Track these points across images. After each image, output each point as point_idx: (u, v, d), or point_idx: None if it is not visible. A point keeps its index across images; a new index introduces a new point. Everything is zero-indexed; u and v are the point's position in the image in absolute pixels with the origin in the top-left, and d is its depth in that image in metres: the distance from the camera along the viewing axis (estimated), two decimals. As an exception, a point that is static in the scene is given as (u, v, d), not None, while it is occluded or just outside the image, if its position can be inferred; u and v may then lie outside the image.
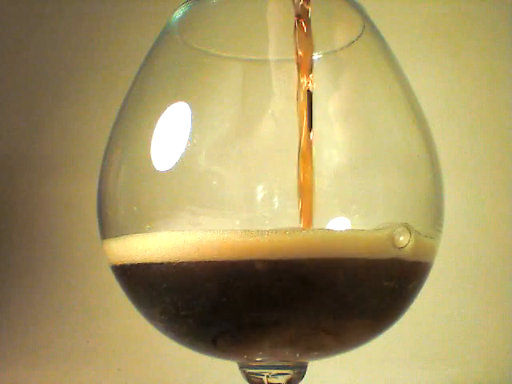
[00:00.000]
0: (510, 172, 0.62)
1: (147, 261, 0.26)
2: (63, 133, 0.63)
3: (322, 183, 0.28)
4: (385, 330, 0.29)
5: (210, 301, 0.25)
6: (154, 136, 0.28)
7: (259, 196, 0.28)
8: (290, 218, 0.29)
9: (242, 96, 0.29)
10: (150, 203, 0.28)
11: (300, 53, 0.29)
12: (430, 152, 0.29)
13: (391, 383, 0.57)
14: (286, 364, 0.29)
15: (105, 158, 0.30)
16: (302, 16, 0.29)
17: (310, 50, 0.29)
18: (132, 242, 0.27)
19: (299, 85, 0.29)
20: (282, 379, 0.29)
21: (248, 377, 0.29)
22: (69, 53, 0.64)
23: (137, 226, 0.28)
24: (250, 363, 0.29)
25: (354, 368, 0.56)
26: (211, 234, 0.25)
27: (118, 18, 0.64)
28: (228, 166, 0.28)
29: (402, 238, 0.26)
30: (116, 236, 0.28)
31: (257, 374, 0.29)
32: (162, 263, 0.26)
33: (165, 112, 0.28)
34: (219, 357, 0.30)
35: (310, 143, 0.28)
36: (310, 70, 0.29)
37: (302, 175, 0.28)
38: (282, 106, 0.30)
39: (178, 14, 0.30)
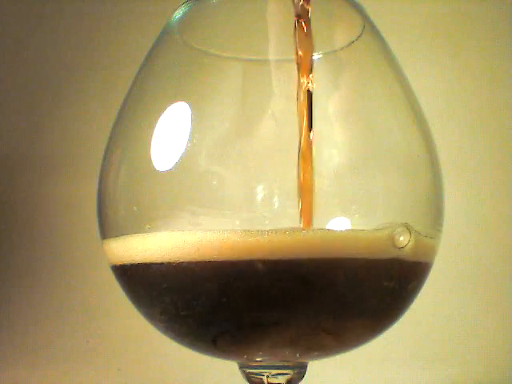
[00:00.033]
0: (510, 172, 0.62)
1: (147, 261, 0.26)
2: (63, 133, 0.63)
3: (322, 183, 0.28)
4: (385, 330, 0.29)
5: (210, 301, 0.25)
6: (154, 136, 0.28)
7: (259, 196, 0.28)
8: (290, 218, 0.29)
9: (241, 96, 0.29)
10: (150, 203, 0.28)
11: (300, 53, 0.29)
12: (430, 152, 0.29)
13: (391, 383, 0.57)
14: (286, 364, 0.29)
15: (105, 158, 0.30)
16: (302, 16, 0.29)
17: (310, 49, 0.29)
18: (132, 242, 0.27)
19: (299, 85, 0.29)
20: (282, 379, 0.29)
21: (248, 377, 0.29)
22: (69, 53, 0.64)
23: (137, 226, 0.28)
24: (249, 363, 0.29)
25: (354, 368, 0.56)
26: (211, 233, 0.25)
27: (118, 17, 0.64)
28: (228, 166, 0.28)
29: (401, 238, 0.26)
30: (116, 236, 0.28)
31: (257, 373, 0.29)
32: (161, 263, 0.26)
33: (165, 112, 0.28)
34: (219, 357, 0.30)
35: (310, 143, 0.28)
36: (310, 70, 0.29)
37: (302, 175, 0.28)
38: (282, 106, 0.30)
39: (178, 14, 0.30)
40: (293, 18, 0.29)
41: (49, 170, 0.62)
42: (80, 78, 0.63)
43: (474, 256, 0.60)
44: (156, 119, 0.28)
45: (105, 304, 0.59)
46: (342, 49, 0.30)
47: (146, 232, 0.27)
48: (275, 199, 0.28)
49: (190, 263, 0.25)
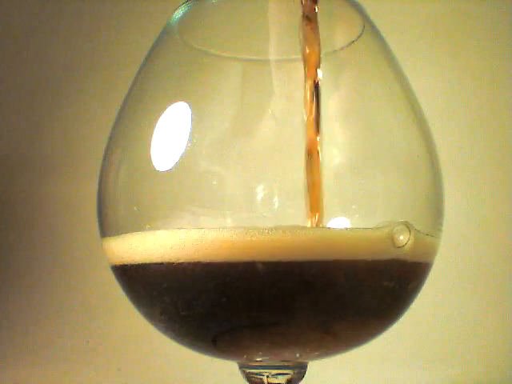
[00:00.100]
0: (510, 172, 0.62)
1: (147, 261, 0.26)
2: (63, 133, 0.63)
3: (322, 183, 0.28)
4: (385, 330, 0.29)
5: (210, 301, 0.25)
6: (154, 136, 0.28)
7: (259, 196, 0.28)
8: (290, 218, 0.29)
9: (241, 96, 0.29)
10: (149, 203, 0.28)
11: (308, 51, 0.29)
12: (430, 152, 0.29)
13: (391, 383, 0.57)
14: (285, 364, 0.29)
15: (105, 158, 0.30)
16: (309, 14, 0.29)
17: (317, 47, 0.29)
18: (131, 241, 0.27)
19: (306, 83, 0.29)
20: (282, 379, 0.29)
21: (248, 377, 0.29)
22: (69, 53, 0.64)
23: (137, 226, 0.28)
24: (249, 363, 0.29)
25: (354, 368, 0.56)
26: (211, 233, 0.25)
27: (118, 18, 0.64)
28: (228, 166, 0.28)
29: (401, 237, 0.26)
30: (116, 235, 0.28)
31: (257, 374, 0.29)
32: (161, 263, 0.26)
33: (165, 112, 0.28)
34: (219, 357, 0.30)
35: (317, 141, 0.28)
36: (318, 68, 0.29)
37: (309, 173, 0.28)
38: (282, 106, 0.30)
39: (177, 14, 0.30)
40: (293, 18, 0.29)
41: (49, 170, 0.62)
42: (80, 78, 0.63)
43: (474, 256, 0.60)
44: (156, 119, 0.28)
45: (105, 304, 0.59)
46: (342, 49, 0.30)
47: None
48: (275, 199, 0.28)
49: (189, 263, 0.25)
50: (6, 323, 0.60)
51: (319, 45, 0.29)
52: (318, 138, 0.28)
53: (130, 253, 0.27)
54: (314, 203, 0.28)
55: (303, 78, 0.29)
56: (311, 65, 0.29)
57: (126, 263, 0.27)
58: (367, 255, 0.25)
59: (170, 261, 0.25)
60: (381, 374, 0.58)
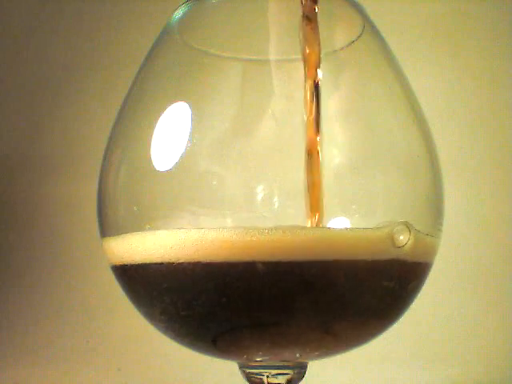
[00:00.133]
0: (510, 172, 0.62)
1: (147, 260, 0.26)
2: (63, 133, 0.63)
3: (322, 183, 0.29)
4: (385, 330, 0.29)
5: (209, 301, 0.25)
6: (154, 136, 0.28)
7: (259, 196, 0.28)
8: (290, 218, 0.29)
9: (241, 96, 0.29)
10: (150, 203, 0.28)
11: (308, 51, 0.29)
12: (430, 152, 0.29)
13: (391, 383, 0.58)
14: (286, 364, 0.29)
15: (105, 158, 0.30)
16: (309, 14, 0.29)
17: (317, 47, 0.29)
18: (131, 241, 0.27)
19: (306, 83, 0.29)
20: (282, 379, 0.29)
21: (248, 377, 0.29)
22: (69, 53, 0.64)
23: (137, 226, 0.28)
24: (249, 363, 0.29)
25: (354, 368, 0.56)
26: (211, 233, 0.25)
27: (118, 18, 0.64)
28: (228, 166, 0.28)
29: (401, 237, 0.26)
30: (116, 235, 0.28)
31: (257, 373, 0.29)
32: (161, 263, 0.26)
33: (165, 112, 0.28)
34: (219, 357, 0.30)
35: (317, 141, 0.28)
36: (318, 68, 0.29)
37: (309, 173, 0.28)
38: (282, 106, 0.30)
39: (177, 14, 0.30)
40: (293, 18, 0.29)
41: (49, 170, 0.62)
42: (80, 78, 0.63)
43: (474, 256, 0.60)
44: (156, 119, 0.28)
45: (105, 304, 0.59)
46: (342, 49, 0.30)
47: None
48: (275, 199, 0.28)
49: (189, 263, 0.25)
50: (6, 323, 0.60)
51: (319, 45, 0.29)
52: (318, 138, 0.28)
53: (130, 253, 0.27)
54: (314, 203, 0.28)
55: (303, 78, 0.29)
56: (311, 65, 0.29)
57: (125, 263, 0.27)
58: (367, 255, 0.25)
59: (170, 261, 0.25)
60: (381, 374, 0.58)
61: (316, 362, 0.30)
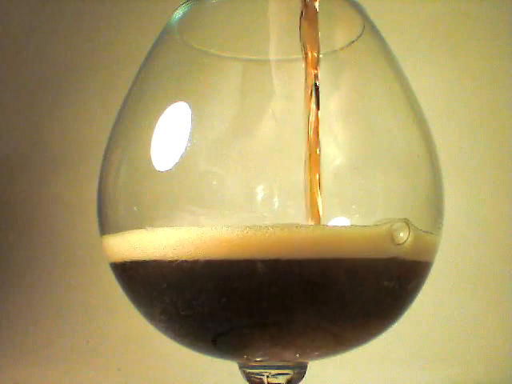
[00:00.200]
0: (510, 172, 0.62)
1: (146, 258, 0.26)
2: (63, 133, 0.63)
3: (322, 183, 0.29)
4: (385, 330, 0.29)
5: (209, 300, 0.25)
6: (154, 136, 0.28)
7: (259, 196, 0.28)
8: (290, 218, 0.29)
9: (241, 96, 0.29)
10: (150, 203, 0.28)
11: (308, 51, 0.29)
12: (430, 152, 0.29)
13: (391, 383, 0.58)
14: (286, 364, 0.29)
15: (105, 158, 0.30)
16: (309, 15, 0.29)
17: (317, 47, 0.29)
18: (130, 240, 0.27)
19: (307, 82, 0.29)
20: (282, 379, 0.29)
21: (248, 377, 0.29)
22: (69, 53, 0.64)
23: (137, 226, 0.28)
24: (249, 363, 0.29)
25: (354, 368, 0.56)
26: (211, 231, 0.25)
27: (118, 18, 0.64)
28: (228, 165, 0.28)
29: (401, 234, 0.26)
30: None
31: (257, 373, 0.29)
32: (161, 261, 0.26)
33: (165, 112, 0.28)
34: (219, 357, 0.30)
35: (317, 140, 0.28)
36: (318, 68, 0.29)
37: (309, 173, 0.28)
38: (282, 106, 0.30)
39: (177, 14, 0.30)
40: (293, 18, 0.29)
41: (49, 170, 0.62)
42: (80, 78, 0.63)
43: (474, 256, 0.60)
44: (156, 119, 0.28)
45: (105, 304, 0.59)
46: (342, 49, 0.30)
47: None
48: (275, 199, 0.28)
49: (189, 262, 0.25)
50: (6, 323, 0.60)
51: (319, 45, 0.29)
52: (318, 138, 0.28)
53: (129, 252, 0.27)
54: (314, 203, 0.28)
55: (303, 77, 0.29)
56: (311, 65, 0.29)
57: (125, 261, 0.27)
58: (367, 253, 0.25)
59: (170, 259, 0.25)
60: (381, 374, 0.58)
61: (316, 362, 0.30)
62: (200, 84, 0.30)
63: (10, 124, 0.63)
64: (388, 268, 0.26)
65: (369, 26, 0.30)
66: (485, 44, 0.63)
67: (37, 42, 0.64)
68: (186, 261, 0.25)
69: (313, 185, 0.29)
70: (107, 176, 0.29)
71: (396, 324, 0.29)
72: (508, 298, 0.60)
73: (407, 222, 0.26)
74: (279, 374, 0.29)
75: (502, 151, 0.62)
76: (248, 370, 0.29)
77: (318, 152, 0.29)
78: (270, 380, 0.29)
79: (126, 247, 0.27)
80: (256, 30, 0.31)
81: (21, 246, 0.61)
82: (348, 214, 0.28)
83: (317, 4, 0.29)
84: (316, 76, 0.29)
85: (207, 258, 0.25)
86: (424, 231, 0.27)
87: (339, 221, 0.29)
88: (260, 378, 0.29)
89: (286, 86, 0.30)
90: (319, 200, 0.28)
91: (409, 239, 0.26)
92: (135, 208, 0.28)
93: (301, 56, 0.29)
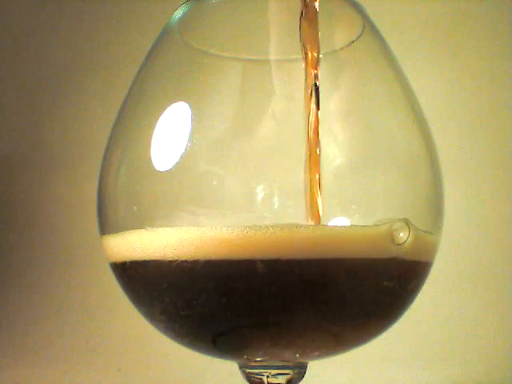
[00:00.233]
0: (510, 172, 0.62)
1: (146, 258, 0.26)
2: (63, 133, 0.63)
3: (322, 183, 0.29)
4: (385, 330, 0.29)
5: (209, 300, 0.25)
6: (154, 136, 0.28)
7: (259, 196, 0.28)
8: (290, 218, 0.29)
9: (242, 96, 0.29)
10: (150, 203, 0.28)
11: (308, 51, 0.29)
12: (430, 152, 0.29)
13: (391, 383, 0.58)
14: (286, 364, 0.29)
15: (105, 158, 0.30)
16: (309, 15, 0.29)
17: (317, 47, 0.29)
18: (130, 239, 0.27)
19: (306, 83, 0.29)
20: (282, 379, 0.29)
21: (248, 377, 0.29)
22: (69, 53, 0.64)
23: (137, 226, 0.28)
24: (250, 363, 0.29)
25: (354, 368, 0.56)
26: (211, 231, 0.25)
27: (118, 18, 0.64)
28: (228, 165, 0.28)
29: (401, 234, 0.26)
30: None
31: (257, 373, 0.29)
32: (161, 261, 0.26)
33: (165, 112, 0.28)
34: (219, 357, 0.30)
35: (317, 140, 0.28)
36: (318, 68, 0.29)
37: (309, 173, 0.28)
38: (282, 106, 0.30)
39: (178, 14, 0.30)
40: (293, 18, 0.29)
41: (49, 170, 0.62)
42: (80, 78, 0.63)
43: (474, 256, 0.60)
44: (156, 119, 0.28)
45: (105, 304, 0.59)
46: (342, 49, 0.30)
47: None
48: (275, 199, 0.28)
49: (189, 262, 0.25)
50: (6, 323, 0.60)
51: (319, 45, 0.29)
52: (318, 138, 0.28)
53: (129, 252, 0.27)
54: (314, 203, 0.28)
55: (303, 77, 0.29)
56: (311, 65, 0.29)
57: (125, 262, 0.27)
58: (367, 253, 0.25)
59: (170, 259, 0.25)
60: (381, 374, 0.58)
61: (316, 362, 0.30)
62: (200, 84, 0.30)
63: (9, 124, 0.63)
64: (388, 268, 0.26)
65: (369, 26, 0.30)
66: (485, 44, 0.63)
67: (37, 42, 0.64)
68: (186, 261, 0.25)
69: (313, 185, 0.29)
70: (107, 176, 0.29)
71: (396, 324, 0.29)
72: (508, 297, 0.60)
73: (407, 222, 0.26)
74: (279, 373, 0.29)
75: (501, 151, 0.62)
76: (248, 370, 0.29)
77: (318, 152, 0.29)
78: (270, 380, 0.29)
79: (126, 247, 0.27)
80: (256, 30, 0.31)
81: (21, 246, 0.61)
82: (348, 214, 0.28)
83: (317, 4, 0.29)
84: (316, 76, 0.29)
85: (207, 258, 0.25)
86: (424, 231, 0.27)
87: (339, 221, 0.29)
88: (260, 378, 0.29)
89: (286, 86, 0.30)
90: (319, 200, 0.28)
91: (409, 239, 0.26)
92: (135, 208, 0.28)
93: (301, 56, 0.29)
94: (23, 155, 0.63)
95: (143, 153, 0.28)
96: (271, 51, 0.30)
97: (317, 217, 0.29)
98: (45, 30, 0.64)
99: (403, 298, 0.28)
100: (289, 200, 0.29)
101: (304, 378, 0.30)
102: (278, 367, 0.29)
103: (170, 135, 0.28)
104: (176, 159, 0.27)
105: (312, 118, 0.28)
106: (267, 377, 0.29)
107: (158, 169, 0.27)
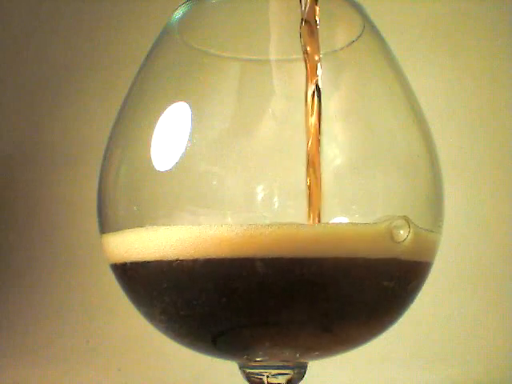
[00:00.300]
0: (510, 172, 0.62)
1: (146, 259, 0.26)
2: (63, 133, 0.63)
3: (322, 183, 0.29)
4: (385, 330, 0.29)
5: (209, 299, 0.25)
6: (154, 136, 0.28)
7: (259, 196, 0.28)
8: (291, 218, 0.29)
9: (242, 96, 0.29)
10: (150, 203, 0.28)
11: (308, 51, 0.29)
12: (430, 152, 0.29)
13: (391, 383, 0.57)
14: (286, 364, 0.29)
15: (105, 158, 0.30)
16: (310, 15, 0.29)
17: (317, 47, 0.29)
18: (131, 240, 0.27)
19: (307, 83, 0.29)
20: (282, 379, 0.29)
21: (248, 377, 0.29)
22: (69, 53, 0.64)
23: (137, 226, 0.28)
24: (250, 363, 0.29)
25: (354, 368, 0.56)
26: (211, 230, 0.25)
27: (118, 18, 0.64)
28: (228, 165, 0.28)
29: (401, 232, 0.26)
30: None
31: (257, 373, 0.29)
32: (161, 261, 0.26)
33: (165, 112, 0.28)
34: (219, 357, 0.30)
35: (317, 141, 0.28)
36: (318, 68, 0.29)
37: (309, 173, 0.28)
38: (282, 106, 0.30)
39: (177, 14, 0.30)
40: (293, 18, 0.29)
41: (49, 170, 0.62)
42: (80, 78, 0.63)
43: (474, 256, 0.60)
44: (156, 119, 0.28)
45: (105, 304, 0.59)
46: (341, 49, 0.30)
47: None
48: (275, 199, 0.28)
49: (189, 261, 0.25)
50: (6, 323, 0.60)
51: (319, 45, 0.29)
52: (318, 138, 0.28)
53: (129, 253, 0.27)
54: (314, 203, 0.28)
55: (303, 77, 0.29)
56: (311, 65, 0.29)
57: (125, 261, 0.27)
58: (367, 251, 0.25)
59: (170, 258, 0.25)
60: (381, 374, 0.58)
61: (316, 361, 0.30)
62: (200, 84, 0.30)
63: (10, 124, 0.63)
64: (388, 267, 0.26)
65: (369, 26, 0.30)
66: (485, 44, 0.63)
67: (37, 42, 0.64)
68: (186, 260, 0.25)
69: (313, 185, 0.29)
70: (107, 176, 0.29)
71: (396, 324, 0.29)
72: (508, 297, 0.60)
73: (407, 220, 0.26)
74: (279, 373, 0.29)
75: (502, 151, 0.62)
76: (248, 370, 0.29)
77: (318, 152, 0.29)
78: (270, 380, 0.29)
79: (125, 247, 0.27)
80: (256, 30, 0.31)
81: (21, 246, 0.61)
82: (348, 214, 0.28)
83: (317, 8, 0.29)
84: (317, 77, 0.29)
85: (207, 257, 0.25)
86: (424, 229, 0.27)
87: (339, 221, 0.29)
88: (260, 378, 0.29)
89: (286, 86, 0.30)
90: (319, 200, 0.28)
91: (409, 237, 0.26)
92: (135, 208, 0.28)
93: (301, 56, 0.29)
94: (23, 155, 0.63)
95: (143, 153, 0.28)
96: (271, 51, 0.30)
97: (317, 217, 0.29)
98: (45, 30, 0.64)
99: (403, 298, 0.28)
100: (289, 200, 0.29)
101: (304, 378, 0.30)
102: (278, 367, 0.29)
103: (169, 135, 0.28)
104: (176, 159, 0.27)
105: (312, 118, 0.28)
106: (267, 377, 0.29)
107: (157, 169, 0.27)
